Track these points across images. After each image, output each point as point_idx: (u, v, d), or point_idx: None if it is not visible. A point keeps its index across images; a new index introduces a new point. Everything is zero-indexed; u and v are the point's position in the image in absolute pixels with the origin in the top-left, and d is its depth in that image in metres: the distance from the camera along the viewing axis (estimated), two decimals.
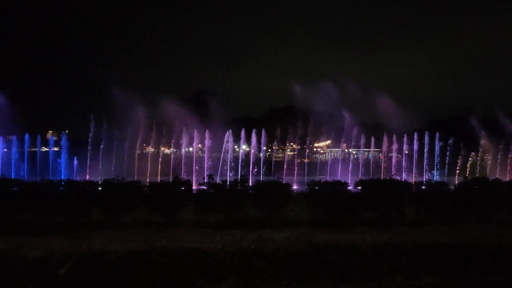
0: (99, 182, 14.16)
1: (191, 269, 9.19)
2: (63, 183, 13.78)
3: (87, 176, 19.00)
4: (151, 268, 9.19)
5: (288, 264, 9.72)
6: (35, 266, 9.44)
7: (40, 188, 13.29)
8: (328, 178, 22.11)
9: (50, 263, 9.53)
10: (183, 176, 16.27)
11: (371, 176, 16.89)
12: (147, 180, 14.83)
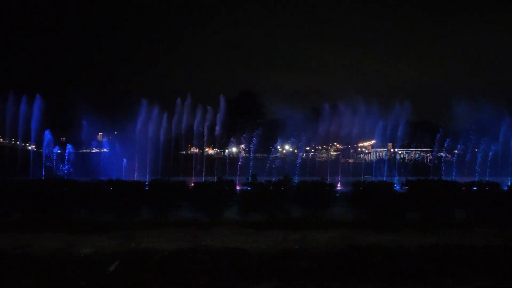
0: (146, 182, 14.55)
1: (234, 269, 9.24)
2: (112, 183, 14.25)
3: (135, 176, 19.61)
4: (195, 267, 9.32)
5: (331, 265, 9.58)
6: (86, 262, 9.79)
7: (90, 188, 13.83)
8: (373, 178, 21.72)
9: (100, 260, 9.84)
10: (227, 176, 16.43)
11: (418, 177, 16.36)
12: (192, 180, 15.10)
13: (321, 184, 14.72)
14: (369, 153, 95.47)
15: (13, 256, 10.12)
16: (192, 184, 14.48)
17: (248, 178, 14.72)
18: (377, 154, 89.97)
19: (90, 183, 14.08)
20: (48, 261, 9.79)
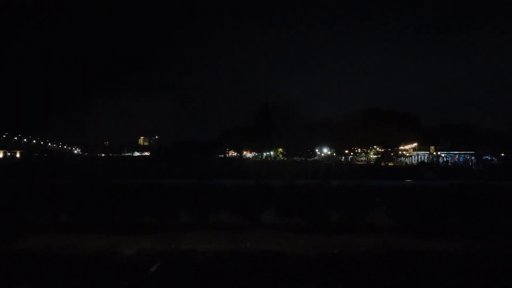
0: (186, 185, 14.76)
1: (273, 272, 9.25)
2: (153, 186, 14.54)
3: (174, 179, 19.93)
4: (234, 269, 9.40)
5: (371, 270, 9.41)
6: (129, 263, 10.07)
7: (132, 190, 14.19)
8: (414, 181, 21.14)
9: (142, 261, 10.10)
10: (264, 179, 16.43)
11: (462, 180, 15.80)
12: (230, 183, 15.20)
13: (360, 187, 14.50)
14: (410, 156, 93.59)
15: (61, 256, 10.58)
16: (230, 187, 14.58)
17: (286, 182, 14.68)
18: (419, 157, 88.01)
19: (132, 185, 14.43)
20: (93, 261, 10.17)
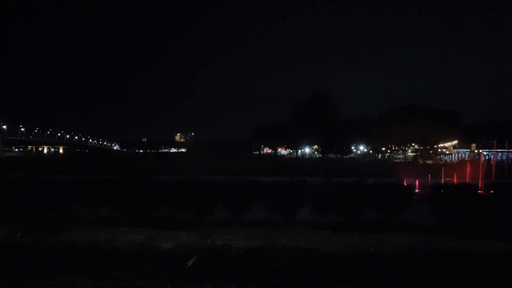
0: (222, 181, 14.96)
1: (308, 269, 9.26)
2: (190, 182, 14.82)
3: (211, 176, 20.21)
4: (270, 265, 9.47)
5: (409, 269, 9.26)
6: (167, 256, 10.33)
7: (170, 186, 14.53)
8: (454, 180, 20.57)
9: (179, 255, 10.34)
10: (299, 176, 16.42)
11: (506, 179, 15.28)
12: (265, 180, 15.28)
13: (398, 186, 14.27)
14: (450, 154, 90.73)
15: (103, 248, 10.99)
16: (265, 184, 14.67)
17: (321, 179, 14.62)
18: (460, 155, 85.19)
19: (170, 181, 14.75)
20: (132, 253, 10.52)
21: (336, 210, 13.47)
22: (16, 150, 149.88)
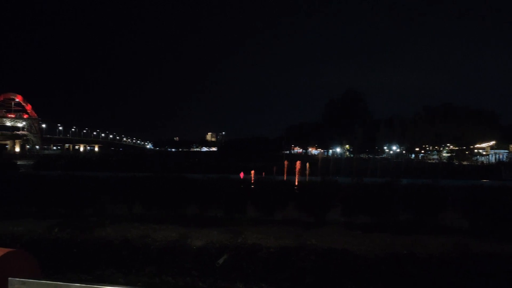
0: (253, 180, 15.04)
1: (339, 269, 9.18)
2: (220, 180, 14.95)
3: (241, 174, 20.31)
4: (300, 265, 9.44)
5: (442, 272, 9.04)
6: (198, 254, 10.44)
7: (201, 184, 14.70)
8: (491, 182, 19.89)
9: (210, 253, 10.43)
10: (331, 176, 16.29)
11: None
12: (296, 179, 15.24)
13: (432, 187, 13.93)
14: (487, 154, 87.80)
15: (136, 245, 11.22)
16: (296, 184, 14.62)
17: (353, 179, 14.46)
18: (497, 155, 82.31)
19: (201, 180, 14.92)
20: (164, 250, 10.69)
21: (368, 211, 13.28)
22: (54, 148, 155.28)
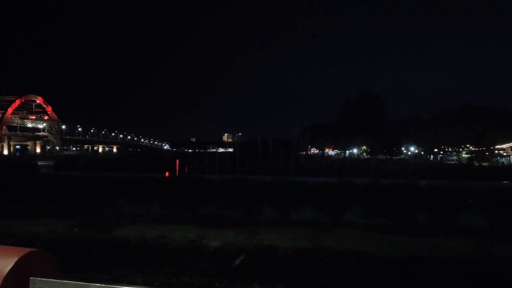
0: (270, 181, 15.01)
1: (357, 271, 9.11)
2: (237, 181, 14.97)
3: (257, 176, 20.31)
4: (317, 267, 9.39)
5: (462, 274, 8.90)
6: (215, 254, 10.48)
7: (219, 185, 14.75)
8: None
9: (227, 253, 10.46)
10: (347, 177, 16.18)
11: None
12: (312, 180, 15.17)
13: (451, 188, 13.72)
14: (507, 156, 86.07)
15: (154, 245, 11.32)
16: (313, 185, 14.56)
17: (370, 180, 14.33)
18: None
19: (217, 181, 14.97)
20: (182, 251, 10.76)
21: (386, 212, 13.15)
22: (74, 149, 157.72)
